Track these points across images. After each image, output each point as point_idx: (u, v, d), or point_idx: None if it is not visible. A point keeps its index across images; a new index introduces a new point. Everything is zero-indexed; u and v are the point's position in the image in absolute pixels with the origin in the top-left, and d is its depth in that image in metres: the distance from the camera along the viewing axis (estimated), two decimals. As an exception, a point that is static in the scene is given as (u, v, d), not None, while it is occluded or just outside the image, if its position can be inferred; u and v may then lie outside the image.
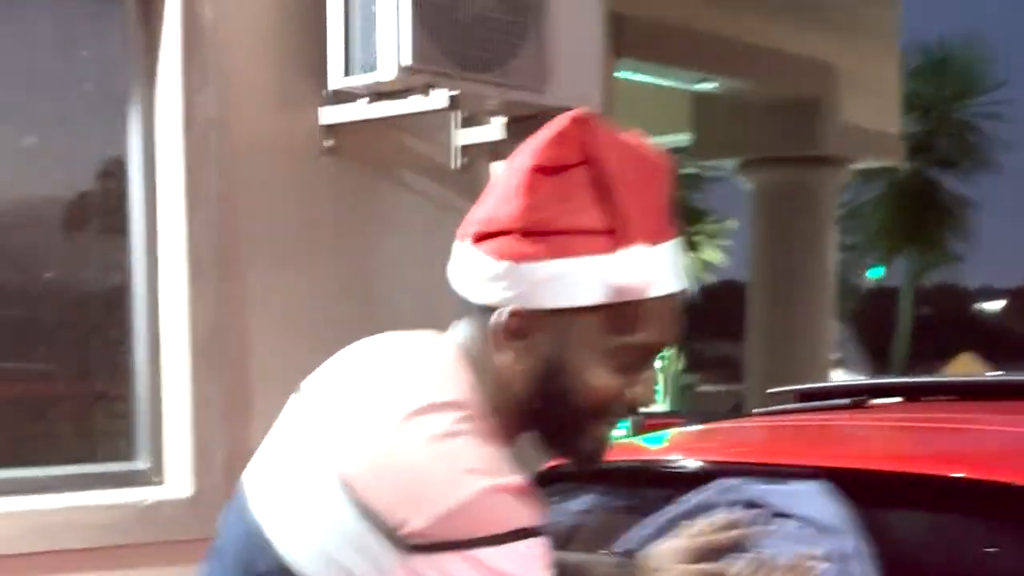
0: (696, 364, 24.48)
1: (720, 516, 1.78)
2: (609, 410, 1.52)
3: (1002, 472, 1.74)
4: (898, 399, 2.69)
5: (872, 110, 6.95)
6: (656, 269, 1.47)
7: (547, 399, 1.49)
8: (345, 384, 1.57)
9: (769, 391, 2.96)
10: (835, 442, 2.20)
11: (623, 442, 2.61)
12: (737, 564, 1.71)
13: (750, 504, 1.80)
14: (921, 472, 1.78)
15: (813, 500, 1.75)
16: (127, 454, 3.93)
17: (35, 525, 3.60)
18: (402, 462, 1.41)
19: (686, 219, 24.48)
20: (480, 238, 1.49)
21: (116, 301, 4.01)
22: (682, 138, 7.58)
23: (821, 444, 2.19)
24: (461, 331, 1.54)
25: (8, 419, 3.90)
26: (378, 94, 4.02)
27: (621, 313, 1.46)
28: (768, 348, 7.14)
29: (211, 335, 3.89)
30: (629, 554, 1.81)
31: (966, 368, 16.95)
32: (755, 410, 2.62)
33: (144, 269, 3.93)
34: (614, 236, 1.46)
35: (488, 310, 1.49)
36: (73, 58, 3.96)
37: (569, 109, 4.46)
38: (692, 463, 2.05)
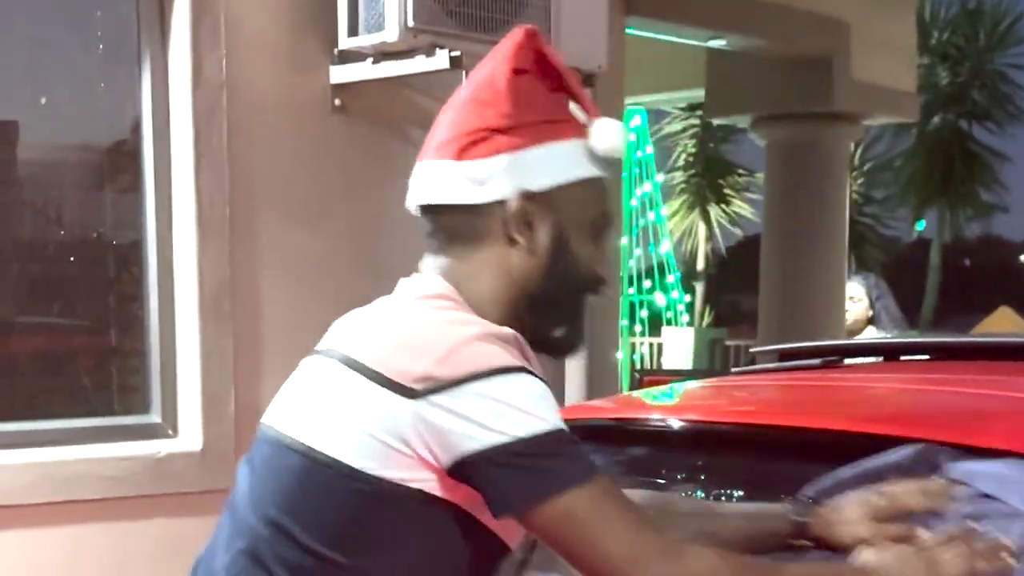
0: (725, 319, 24.48)
1: (916, 482, 1.71)
2: (595, 285, 1.71)
3: (948, 432, 1.78)
4: (878, 359, 2.74)
5: (887, 67, 6.92)
6: (620, 143, 1.71)
7: (557, 277, 1.67)
8: (351, 323, 1.73)
9: (753, 350, 3.02)
10: (783, 402, 2.25)
11: (613, 399, 2.68)
12: (928, 533, 1.64)
13: (951, 480, 1.70)
14: (871, 432, 1.82)
15: None
16: (141, 407, 4.03)
17: (52, 476, 3.70)
18: (399, 327, 1.60)
19: (717, 171, 24.37)
20: (465, 149, 1.66)
21: (130, 257, 4.10)
22: (697, 94, 7.60)
23: (767, 403, 2.24)
24: (435, 264, 1.71)
25: (26, 373, 4.01)
26: (384, 54, 4.07)
27: (596, 186, 1.71)
28: (781, 305, 7.16)
29: (221, 291, 3.97)
30: (805, 502, 1.78)
31: (1003, 322, 16.81)
32: (734, 369, 2.68)
33: (155, 226, 4.01)
34: (577, 121, 1.69)
35: (487, 211, 1.66)
36: (87, 19, 4.03)
37: (576, 68, 4.49)
38: (642, 422, 2.11)
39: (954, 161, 20.95)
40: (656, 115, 20.79)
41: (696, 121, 21.54)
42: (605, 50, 4.36)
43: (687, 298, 14.30)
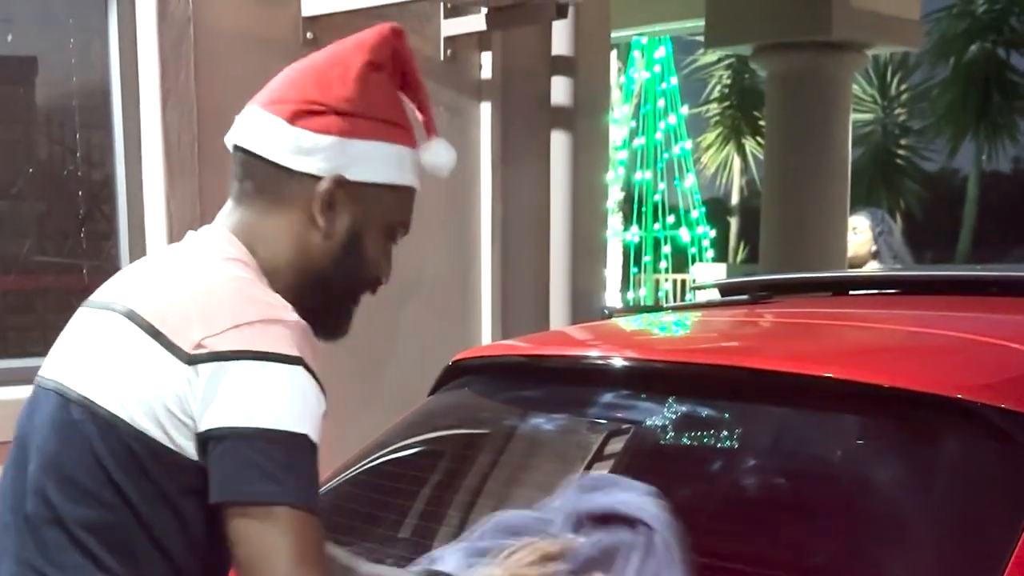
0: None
1: (538, 542, 1.74)
2: (371, 283, 1.75)
3: (823, 367, 1.74)
4: (826, 294, 2.68)
5: (889, -6, 6.75)
6: (448, 165, 1.77)
7: (342, 265, 1.70)
8: (137, 274, 1.71)
9: (692, 285, 2.95)
10: (684, 338, 2.21)
11: (552, 332, 2.64)
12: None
13: (580, 518, 1.75)
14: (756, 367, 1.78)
15: (637, 500, 1.71)
16: (113, 346, 4.00)
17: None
18: (188, 287, 1.58)
19: (752, 103, 24.08)
20: (299, 115, 1.66)
21: (102, 195, 4.08)
22: (698, 24, 7.46)
23: (671, 340, 2.20)
24: (233, 217, 1.70)
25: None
26: (354, -15, 4.02)
27: (406, 196, 1.74)
28: (783, 239, 7.05)
29: (191, 229, 3.93)
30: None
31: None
32: (666, 305, 2.63)
33: (125, 164, 3.99)
34: (413, 132, 1.72)
35: (299, 182, 1.67)
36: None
37: (554, -1, 4.33)
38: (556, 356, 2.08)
39: (991, 90, 20.57)
40: (690, 45, 20.55)
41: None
42: (586, -21, 4.27)
43: (712, 233, 14.14)
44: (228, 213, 1.71)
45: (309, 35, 4.19)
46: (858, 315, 2.25)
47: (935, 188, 26.15)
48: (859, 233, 5.86)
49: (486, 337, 4.63)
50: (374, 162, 1.69)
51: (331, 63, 1.70)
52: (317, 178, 1.66)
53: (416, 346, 4.44)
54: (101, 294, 1.70)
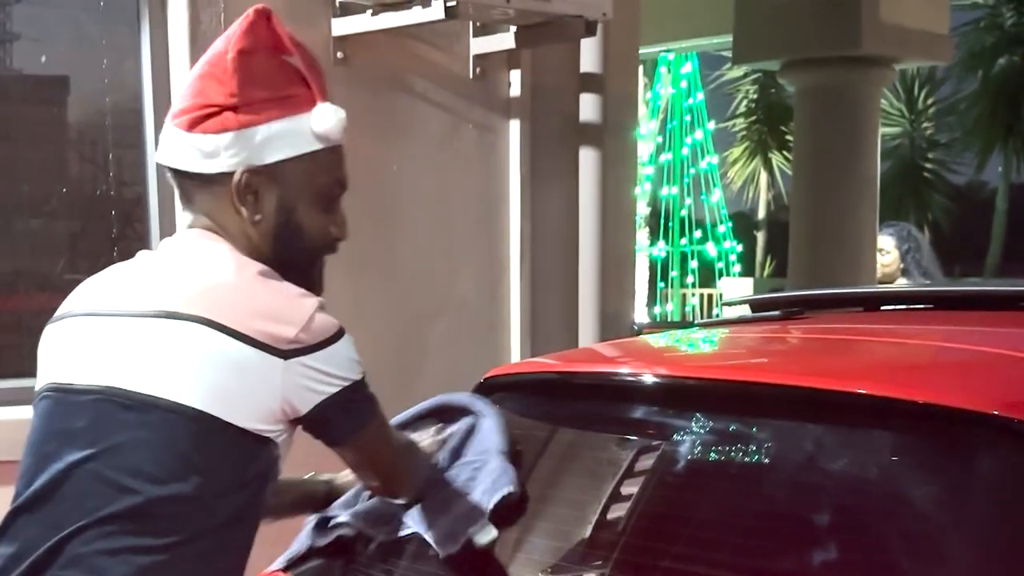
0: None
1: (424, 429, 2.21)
2: (326, 246, 1.94)
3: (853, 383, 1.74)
4: (857, 309, 2.68)
5: (917, 8, 6.74)
6: (340, 119, 1.88)
7: (284, 241, 1.88)
8: (140, 282, 1.87)
9: (723, 302, 2.96)
10: (712, 355, 2.21)
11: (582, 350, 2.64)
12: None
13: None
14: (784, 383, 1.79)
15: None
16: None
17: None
18: (252, 298, 1.79)
19: (779, 117, 24.05)
20: (196, 122, 1.82)
21: (133, 215, 4.11)
22: (725, 40, 7.47)
23: (704, 358, 2.21)
24: (196, 216, 1.88)
25: (32, 329, 4.03)
26: (382, 4, 4.04)
27: (322, 158, 1.87)
28: (811, 255, 7.04)
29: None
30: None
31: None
32: (698, 321, 2.64)
33: (157, 184, 4.01)
34: (307, 97, 1.86)
35: (220, 181, 1.83)
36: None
37: (579, 16, 4.38)
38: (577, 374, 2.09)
39: (1019, 103, 20.49)
40: (716, 60, 20.54)
41: (757, 67, 21.13)
42: (610, -2, 4.27)
43: (739, 248, 14.13)
44: (189, 222, 1.89)
45: (340, 55, 4.21)
46: (891, 331, 2.25)
47: (963, 201, 26.04)
48: (886, 254, 5.84)
49: (515, 354, 4.64)
50: (277, 141, 1.82)
51: (211, 65, 1.85)
52: (232, 174, 1.82)
53: (446, 363, 4.45)
54: (110, 302, 1.88)
